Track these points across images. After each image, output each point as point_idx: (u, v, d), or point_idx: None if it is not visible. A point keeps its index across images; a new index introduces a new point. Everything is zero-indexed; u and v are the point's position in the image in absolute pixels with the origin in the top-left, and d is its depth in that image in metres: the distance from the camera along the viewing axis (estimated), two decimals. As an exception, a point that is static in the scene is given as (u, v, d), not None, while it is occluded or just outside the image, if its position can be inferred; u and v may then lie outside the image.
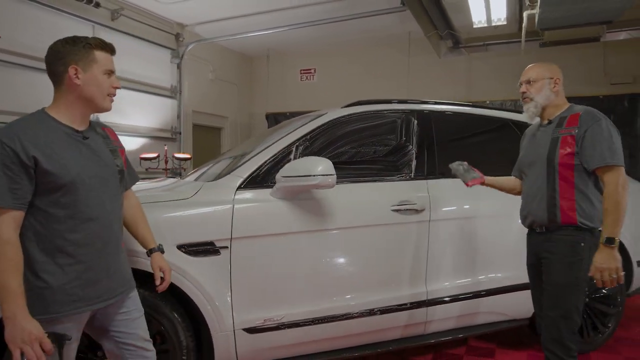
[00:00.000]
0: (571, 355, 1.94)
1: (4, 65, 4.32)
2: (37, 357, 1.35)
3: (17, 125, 1.44)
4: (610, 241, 1.88)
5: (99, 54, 1.54)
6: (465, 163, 2.45)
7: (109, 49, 1.59)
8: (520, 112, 3.77)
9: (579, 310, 1.97)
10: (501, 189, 2.39)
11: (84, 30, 5.09)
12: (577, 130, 1.96)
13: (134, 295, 1.71)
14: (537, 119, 2.21)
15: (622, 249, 3.22)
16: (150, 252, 1.80)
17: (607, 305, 3.16)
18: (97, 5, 5.13)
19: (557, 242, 2.00)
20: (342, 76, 7.49)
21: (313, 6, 5.82)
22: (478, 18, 4.78)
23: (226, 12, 6.01)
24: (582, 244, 1.95)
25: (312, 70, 7.85)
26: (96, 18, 5.22)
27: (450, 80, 6.85)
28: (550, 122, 2.10)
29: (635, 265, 3.27)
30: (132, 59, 5.72)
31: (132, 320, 1.67)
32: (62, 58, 1.50)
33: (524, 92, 2.13)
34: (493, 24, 4.89)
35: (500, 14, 4.64)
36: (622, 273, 1.87)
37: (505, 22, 4.86)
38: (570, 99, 6.20)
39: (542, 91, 2.07)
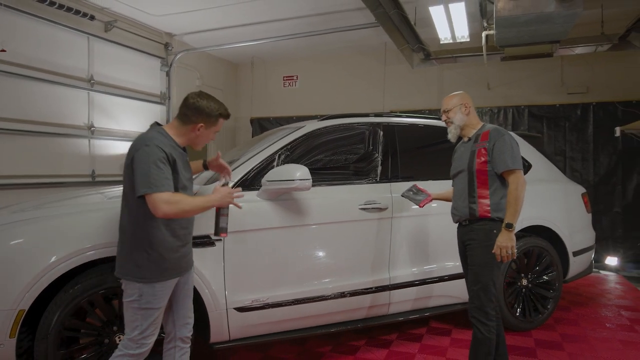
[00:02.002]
0: (490, 319, 2.41)
1: (9, 76, 4.63)
2: (230, 198, 2.13)
3: (156, 137, 2.00)
4: (509, 226, 2.36)
5: (221, 122, 2.15)
6: (414, 186, 2.94)
7: (228, 117, 2.20)
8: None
9: (494, 283, 2.44)
10: (447, 200, 2.86)
11: (79, 41, 5.43)
12: (488, 144, 2.46)
13: (192, 272, 2.28)
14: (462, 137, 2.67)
15: (559, 242, 3.76)
16: (204, 165, 2.51)
17: (546, 290, 3.68)
18: (92, 18, 5.46)
19: (476, 231, 2.48)
20: (323, 83, 7.94)
21: (295, 19, 6.23)
22: (444, 35, 5.27)
23: (213, 23, 6.38)
24: (495, 231, 2.43)
25: (295, 77, 8.26)
26: (91, 30, 5.55)
27: (423, 87, 7.34)
28: (469, 139, 2.60)
29: (571, 255, 3.80)
30: (124, 68, 6.07)
31: (187, 290, 2.23)
32: (200, 115, 2.07)
33: (445, 120, 2.65)
34: (458, 40, 5.39)
35: (463, 32, 5.14)
36: (515, 251, 2.37)
37: (468, 39, 5.36)
38: (530, 107, 6.67)
39: (456, 115, 2.58)
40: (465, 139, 2.63)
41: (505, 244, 2.34)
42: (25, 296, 2.20)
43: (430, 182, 3.27)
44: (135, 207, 1.97)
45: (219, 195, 2.11)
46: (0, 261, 2.23)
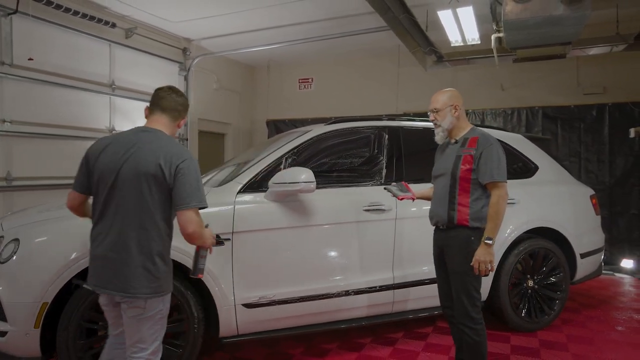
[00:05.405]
0: (477, 323, 2.42)
1: (36, 83, 4.89)
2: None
3: None
4: (488, 240, 2.33)
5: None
6: (402, 183, 2.91)
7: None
8: (485, 126, 4.32)
9: (476, 288, 2.43)
10: (429, 198, 2.74)
11: (101, 48, 5.68)
12: (474, 151, 2.40)
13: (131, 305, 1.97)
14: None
15: (567, 244, 3.77)
16: None
17: (553, 291, 3.70)
18: (114, 25, 5.69)
19: (454, 238, 2.45)
20: (337, 85, 8.04)
21: (310, 24, 6.36)
22: (454, 38, 5.30)
23: (229, 28, 6.56)
24: (473, 238, 2.40)
25: (310, 80, 8.39)
26: (112, 37, 5.79)
27: (437, 89, 7.10)
28: (456, 141, 2.52)
29: (578, 257, 3.81)
30: (143, 73, 6.30)
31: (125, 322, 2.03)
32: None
33: (433, 120, 2.58)
34: (468, 43, 5.42)
35: (473, 35, 5.16)
36: (495, 265, 2.32)
37: (479, 42, 5.39)
38: (544, 108, 6.61)
39: (445, 118, 2.50)
40: (452, 141, 2.55)
41: (484, 258, 2.32)
42: (49, 290, 2.39)
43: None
44: None
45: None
46: (26, 257, 2.42)
